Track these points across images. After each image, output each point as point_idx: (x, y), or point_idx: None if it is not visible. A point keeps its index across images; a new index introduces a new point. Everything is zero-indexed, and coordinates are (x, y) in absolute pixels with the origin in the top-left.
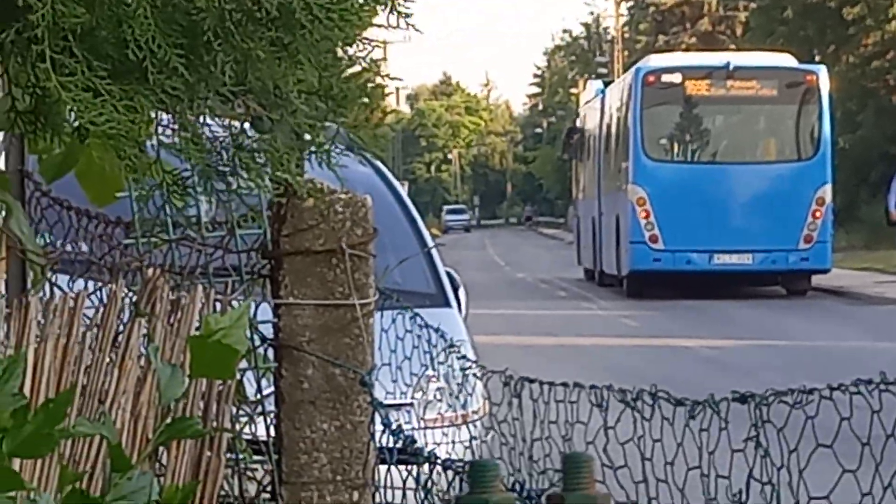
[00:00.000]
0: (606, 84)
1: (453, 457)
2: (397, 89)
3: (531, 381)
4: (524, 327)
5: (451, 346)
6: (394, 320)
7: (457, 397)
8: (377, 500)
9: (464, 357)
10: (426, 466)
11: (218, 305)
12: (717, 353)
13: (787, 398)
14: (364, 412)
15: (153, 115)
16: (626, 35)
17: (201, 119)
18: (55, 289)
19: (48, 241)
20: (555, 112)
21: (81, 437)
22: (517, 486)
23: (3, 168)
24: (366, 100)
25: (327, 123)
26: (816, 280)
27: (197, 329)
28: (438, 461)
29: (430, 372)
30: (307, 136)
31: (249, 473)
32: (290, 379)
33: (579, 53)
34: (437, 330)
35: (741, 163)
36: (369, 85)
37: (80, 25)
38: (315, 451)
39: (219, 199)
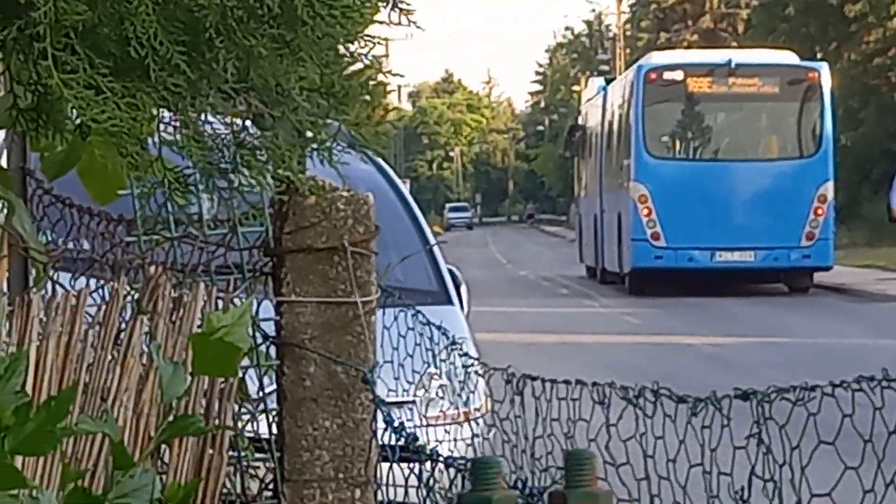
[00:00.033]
0: (608, 81)
1: (455, 454)
2: (399, 87)
3: (533, 379)
4: (526, 325)
5: (453, 343)
6: (396, 318)
7: (459, 395)
8: (379, 497)
9: (466, 354)
10: (428, 464)
11: (220, 303)
12: (718, 351)
13: (789, 395)
14: (366, 410)
15: (155, 112)
16: (628, 32)
17: (203, 116)
18: (57, 286)
19: (50, 238)
20: (557, 110)
21: (83, 434)
22: (519, 484)
23: (5, 166)
24: (367, 97)
25: (329, 121)
26: (818, 277)
27: (199, 327)
28: (440, 459)
29: (432, 369)
30: (309, 134)
31: (252, 471)
32: (292, 376)
33: (581, 51)
34: (439, 327)
35: (743, 160)
36: (371, 82)
37: (81, 23)
38: (317, 448)
39: (220, 197)
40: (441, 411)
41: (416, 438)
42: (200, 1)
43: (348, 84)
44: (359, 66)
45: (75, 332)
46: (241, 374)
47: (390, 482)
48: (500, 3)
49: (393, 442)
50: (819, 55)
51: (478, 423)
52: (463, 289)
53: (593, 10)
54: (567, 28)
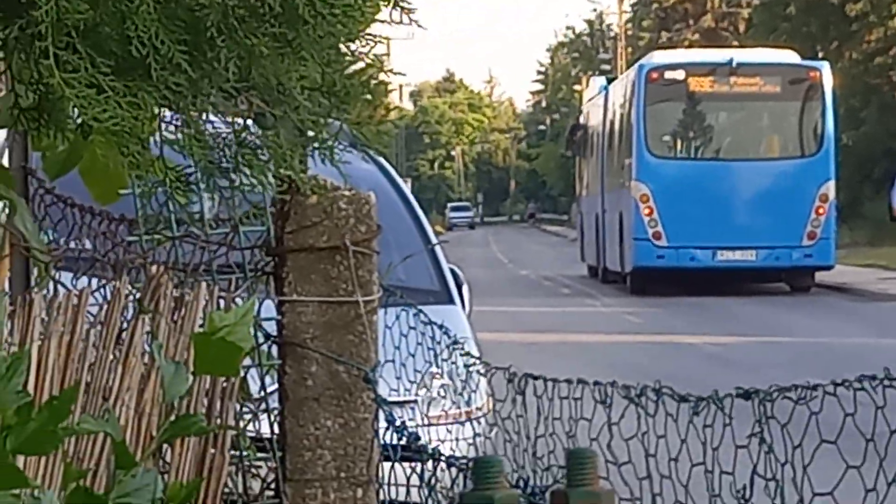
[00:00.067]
0: (610, 81)
1: (457, 453)
2: (400, 86)
3: (535, 378)
4: (528, 324)
5: (455, 342)
6: (397, 317)
7: (460, 394)
8: (381, 496)
9: (467, 354)
10: (430, 463)
11: (221, 302)
12: (720, 350)
13: (790, 394)
14: (368, 409)
15: (156, 111)
16: (630, 32)
17: (204, 115)
18: (59, 286)
19: (52, 238)
20: (558, 109)
21: (85, 434)
22: (521, 483)
23: (6, 165)
24: (369, 96)
25: (330, 120)
26: (820, 277)
27: (200, 326)
28: (442, 458)
29: (433, 369)
30: (310, 133)
31: (253, 471)
32: (293, 376)
33: (583, 50)
34: (440, 327)
35: (744, 159)
36: (372, 81)
37: (83, 22)
38: (319, 448)
39: (222, 196)
40: (443, 410)
41: (418, 438)
42: (202, 0)
43: (350, 83)
44: (360, 65)
45: (77, 331)
46: (242, 374)
47: (392, 481)
48: (501, 2)
49: (395, 441)
50: (820, 54)
51: (479, 423)
52: (464, 288)
53: (595, 10)
54: (568, 27)
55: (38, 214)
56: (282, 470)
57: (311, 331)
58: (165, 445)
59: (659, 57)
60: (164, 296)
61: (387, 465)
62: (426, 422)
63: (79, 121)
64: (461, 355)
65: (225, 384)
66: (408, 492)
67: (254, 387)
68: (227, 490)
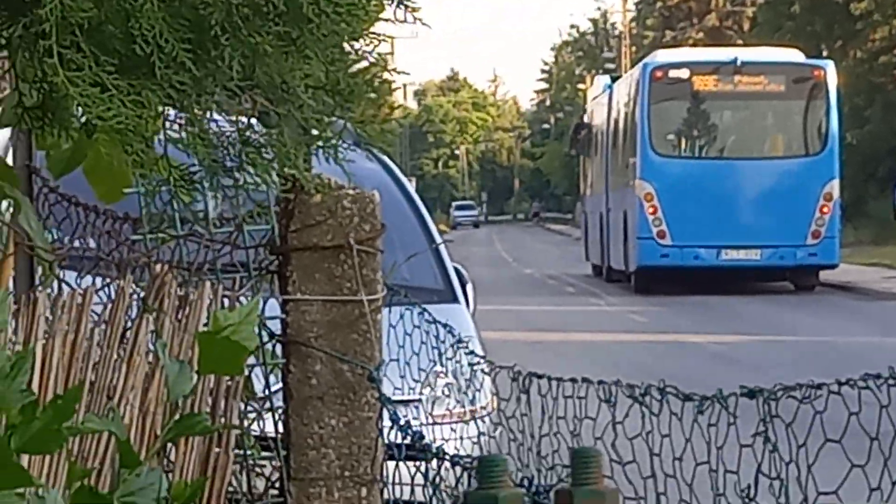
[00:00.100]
0: (614, 80)
1: (461, 452)
2: (405, 85)
3: (539, 377)
4: (532, 323)
5: (459, 341)
6: (402, 316)
7: (465, 393)
8: (385, 496)
9: (472, 353)
10: (434, 462)
11: (226, 301)
12: (725, 349)
13: (795, 393)
14: (372, 408)
15: (160, 110)
16: (634, 31)
17: (208, 114)
18: (63, 285)
19: (56, 237)
20: (562, 108)
21: (90, 433)
22: (525, 482)
23: (10, 163)
24: (373, 95)
25: (334, 118)
26: (824, 275)
27: (205, 325)
28: (447, 457)
29: (438, 368)
30: (315, 132)
31: (258, 470)
32: (298, 375)
33: (587, 49)
34: (445, 326)
35: (749, 158)
36: (376, 80)
37: (87, 20)
38: (323, 447)
39: (226, 195)
40: (447, 409)
41: (423, 437)
42: None
43: (354, 82)
44: (364, 63)
45: (81, 330)
46: (246, 373)
47: (396, 480)
48: (504, 0)
49: (399, 440)
50: (825, 53)
51: (484, 422)
52: (469, 287)
53: (599, 9)
54: (573, 26)
55: (43, 213)
56: (286, 469)
57: (315, 330)
58: (170, 444)
59: (663, 56)
60: (169, 295)
61: (391, 463)
62: (430, 421)
63: (83, 119)
64: (465, 354)
65: (229, 383)
66: (412, 491)
67: (258, 386)
68: (231, 489)
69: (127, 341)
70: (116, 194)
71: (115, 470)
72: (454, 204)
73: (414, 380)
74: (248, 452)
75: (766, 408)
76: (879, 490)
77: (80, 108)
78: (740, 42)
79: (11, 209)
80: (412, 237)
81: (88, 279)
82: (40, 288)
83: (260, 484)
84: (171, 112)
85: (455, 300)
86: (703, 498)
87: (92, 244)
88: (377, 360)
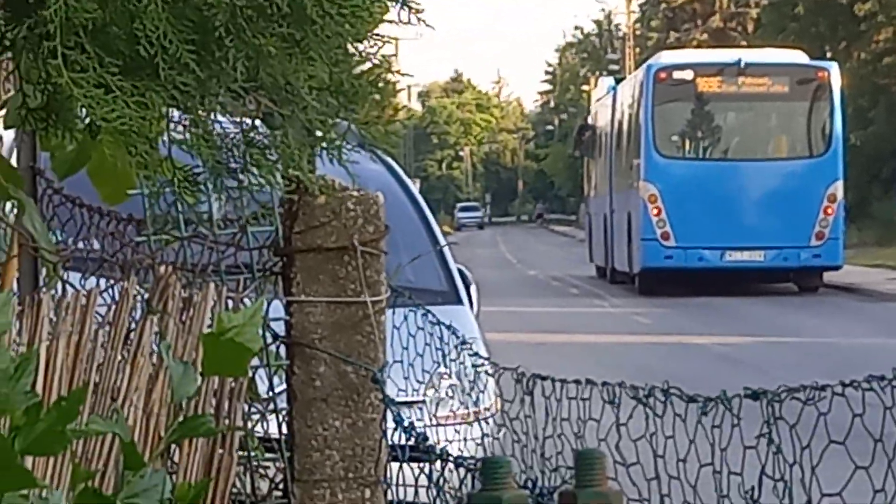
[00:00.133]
0: (618, 81)
1: (465, 454)
2: (409, 87)
3: (543, 379)
4: (536, 324)
5: (463, 343)
6: (406, 317)
7: (469, 394)
8: (389, 497)
9: (476, 354)
10: (438, 464)
11: (230, 303)
12: (728, 350)
13: (799, 395)
14: (376, 409)
15: (164, 111)
16: (638, 32)
17: (212, 115)
18: (67, 286)
19: (60, 238)
20: (566, 109)
21: (94, 435)
22: (529, 484)
23: (15, 165)
24: (377, 96)
25: (338, 120)
26: (828, 277)
27: (209, 326)
28: (450, 458)
29: (442, 369)
30: (318, 133)
31: (261, 471)
32: (302, 376)
33: (591, 50)
34: (448, 327)
35: (753, 159)
36: (380, 81)
37: (91, 21)
38: (327, 448)
39: (230, 197)
40: (451, 411)
41: (426, 438)
42: (210, 0)
43: (358, 83)
44: (368, 65)
45: (85, 331)
46: (251, 374)
47: (400, 482)
48: (510, 1)
49: (403, 441)
50: (829, 54)
51: (488, 423)
52: (473, 288)
53: (603, 10)
54: (577, 27)
55: (47, 215)
56: (290, 470)
57: (320, 331)
58: (174, 446)
59: (667, 57)
60: (173, 296)
61: (395, 465)
62: (434, 422)
63: (87, 121)
64: (469, 355)
65: (233, 384)
66: (416, 492)
67: (262, 387)
68: (235, 490)
69: (131, 343)
70: (120, 196)
71: (118, 471)
72: (458, 205)
73: (418, 381)
74: (252, 454)
75: (769, 409)
76: (883, 492)
77: (84, 110)
78: (744, 43)
79: (16, 210)
80: (416, 239)
81: (92, 280)
82: (44, 289)
83: (264, 485)
84: (175, 113)
85: (459, 302)
86: (706, 499)
87: (96, 245)
88: (381, 362)
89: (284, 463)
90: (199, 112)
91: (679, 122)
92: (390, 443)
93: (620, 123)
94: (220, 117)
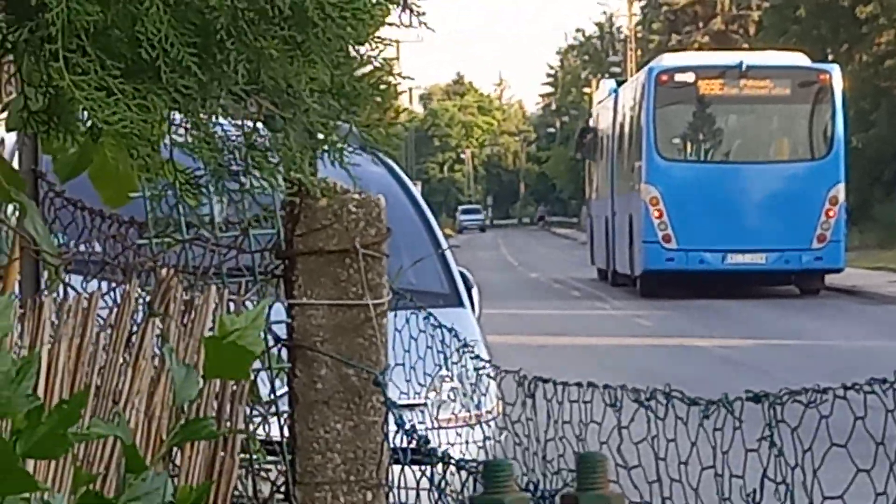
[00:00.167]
0: (619, 83)
1: (467, 457)
2: (410, 89)
3: (545, 381)
4: (537, 327)
5: (465, 345)
6: (407, 320)
7: (470, 397)
8: (391, 500)
9: (477, 357)
10: (440, 466)
11: (231, 305)
12: (730, 353)
13: (801, 397)
14: (378, 412)
15: (166, 114)
16: (639, 34)
17: (214, 118)
18: (69, 289)
19: (62, 241)
20: (568, 112)
21: (95, 438)
22: (531, 487)
23: (16, 168)
24: (378, 99)
25: (340, 122)
26: (830, 279)
27: (210, 329)
28: (452, 461)
29: (443, 372)
30: (320, 136)
31: (263, 474)
32: (303, 379)
33: (592, 53)
34: (450, 330)
35: (754, 162)
36: (382, 84)
37: (93, 24)
38: (329, 451)
39: (231, 199)
40: (453, 414)
41: (428, 441)
42: (211, 3)
43: (359, 86)
44: (369, 67)
45: (87, 334)
46: (252, 377)
47: (402, 485)
48: (513, 3)
49: (404, 444)
50: (830, 57)
51: (489, 426)
52: (474, 291)
53: (604, 13)
54: (578, 30)
55: (49, 217)
56: (291, 473)
57: (321, 334)
58: (175, 449)
59: (669, 59)
60: (175, 299)
61: (396, 468)
62: (436, 425)
63: (88, 123)
64: (471, 358)
65: (235, 387)
66: (417, 495)
67: (263, 390)
68: (236, 493)
69: (133, 345)
70: (122, 198)
71: (120, 474)
72: (461, 208)
73: (419, 384)
74: (254, 457)
75: (771, 412)
76: (885, 495)
77: (85, 113)
78: (746, 46)
79: (17, 213)
80: (418, 241)
81: (94, 283)
82: (46, 292)
83: (265, 488)
84: (177, 116)
85: (461, 304)
86: (708, 502)
87: (98, 248)
88: (383, 365)
89: (286, 466)
90: (201, 115)
91: (680, 125)
92: (392, 446)
93: (622, 126)
94: (221, 120)
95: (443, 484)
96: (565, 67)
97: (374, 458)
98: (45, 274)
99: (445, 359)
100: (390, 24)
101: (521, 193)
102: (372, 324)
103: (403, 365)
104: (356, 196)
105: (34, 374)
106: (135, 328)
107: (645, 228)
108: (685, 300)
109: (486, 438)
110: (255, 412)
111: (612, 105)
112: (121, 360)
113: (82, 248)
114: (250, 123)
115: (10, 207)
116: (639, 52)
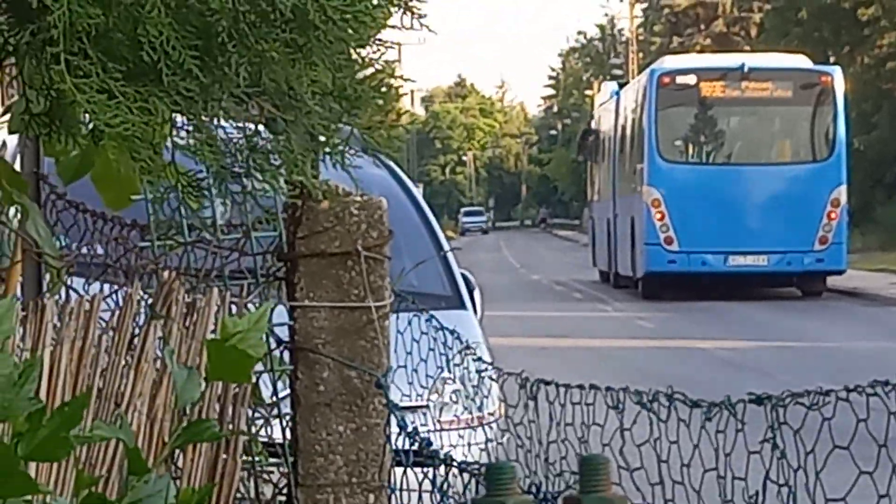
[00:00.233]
0: (621, 86)
1: (469, 459)
2: (412, 91)
3: (547, 383)
4: (539, 329)
5: (467, 348)
6: (409, 322)
7: (472, 399)
8: (393, 502)
9: (479, 359)
10: (442, 469)
11: (234, 308)
12: (732, 355)
13: (803, 400)
14: (380, 414)
15: (168, 116)
16: (641, 37)
17: (216, 121)
18: (71, 292)
19: (64, 243)
20: (570, 114)
21: (98, 440)
22: (533, 489)
23: (18, 170)
24: (380, 101)
25: (342, 125)
26: (831, 281)
27: (212, 332)
28: (454, 463)
29: (445, 374)
30: (322, 138)
31: (265, 476)
32: (305, 381)
33: (594, 55)
34: (452, 332)
35: (756, 164)
36: (383, 86)
37: (95, 27)
38: (331, 453)
39: (234, 202)
40: (455, 416)
41: (430, 443)
42: (213, 5)
43: (361, 88)
44: (371, 70)
45: (89, 337)
46: (254, 379)
47: (404, 487)
48: (515, 5)
49: (407, 447)
50: (832, 59)
51: (491, 428)
52: (476, 293)
53: (606, 15)
54: (580, 32)
55: (51, 220)
56: (294, 475)
57: (323, 336)
58: (178, 451)
59: (670, 62)
60: (177, 301)
61: (399, 470)
62: (438, 427)
63: (90, 126)
64: (473, 360)
65: (237, 389)
66: (420, 497)
67: (266, 392)
68: (239, 495)
69: (135, 348)
70: (124, 201)
71: (122, 477)
72: (463, 210)
73: (421, 386)
74: (256, 459)
75: (774, 414)
76: (888, 497)
77: (87, 115)
78: (748, 48)
79: (19, 216)
80: (420, 243)
81: (96, 286)
82: (48, 295)
83: (268, 490)
84: (179, 119)
85: (462, 306)
86: None
87: (100, 251)
88: (385, 367)
89: (288, 468)
90: (203, 117)
91: (682, 127)
92: (394, 448)
93: (624, 128)
94: (223, 122)
95: (445, 486)
96: (567, 70)
97: (376, 461)
98: (48, 276)
99: (447, 361)
100: (391, 27)
101: (522, 196)
102: (374, 326)
103: (405, 367)
104: (358, 198)
105: (36, 377)
106: (137, 331)
107: (647, 230)
108: (687, 302)
109: (488, 440)
110: (257, 414)
111: (613, 107)
112: (123, 363)
113: (84, 250)
114: (252, 126)
115: (13, 210)
116: (640, 55)
